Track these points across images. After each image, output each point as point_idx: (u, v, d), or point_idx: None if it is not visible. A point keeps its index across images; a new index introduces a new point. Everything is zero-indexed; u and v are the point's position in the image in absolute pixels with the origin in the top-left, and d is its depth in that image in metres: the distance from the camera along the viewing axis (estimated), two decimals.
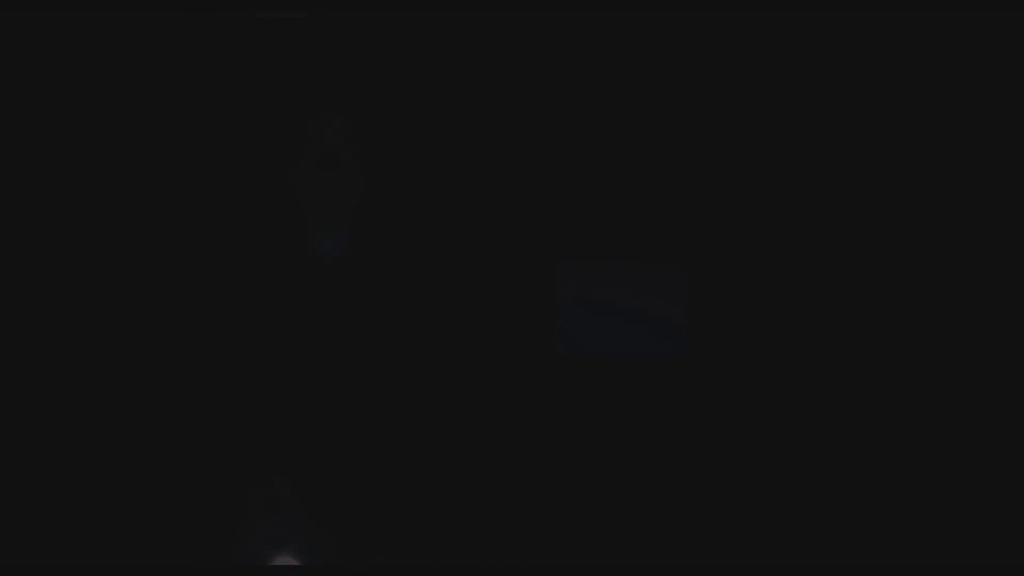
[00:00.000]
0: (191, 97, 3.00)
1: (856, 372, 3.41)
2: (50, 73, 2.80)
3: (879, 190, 3.41)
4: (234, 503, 1.65)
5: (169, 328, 1.98)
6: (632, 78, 3.43)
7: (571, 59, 3.37)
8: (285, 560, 1.64)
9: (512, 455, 3.05)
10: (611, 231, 3.58)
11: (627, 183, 3.56)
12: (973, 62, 3.12)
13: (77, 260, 2.88)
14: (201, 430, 2.01)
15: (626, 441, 3.55)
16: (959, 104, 3.21)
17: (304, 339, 1.81)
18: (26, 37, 2.74)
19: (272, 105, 1.85)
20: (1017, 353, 3.15)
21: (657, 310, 3.61)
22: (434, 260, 1.97)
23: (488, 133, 3.43)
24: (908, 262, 3.36)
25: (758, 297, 3.54)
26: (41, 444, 2.72)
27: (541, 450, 3.34)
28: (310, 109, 1.84)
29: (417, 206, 2.02)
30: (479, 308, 2.92)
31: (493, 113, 3.43)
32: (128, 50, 2.94)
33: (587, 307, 3.61)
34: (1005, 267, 3.20)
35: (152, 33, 2.93)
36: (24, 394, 2.72)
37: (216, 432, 1.91)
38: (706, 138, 3.54)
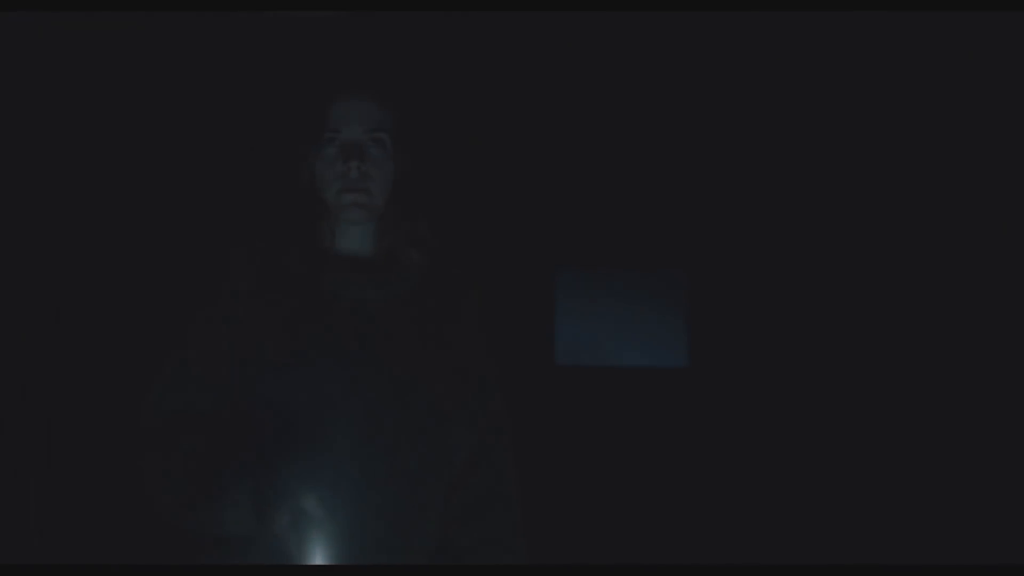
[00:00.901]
0: (210, 92, 3.01)
1: (861, 379, 3.41)
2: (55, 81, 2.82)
3: (884, 194, 3.42)
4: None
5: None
6: (634, 81, 3.44)
7: (572, 63, 3.38)
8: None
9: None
10: (611, 237, 3.58)
11: (627, 188, 3.56)
12: (973, 62, 3.14)
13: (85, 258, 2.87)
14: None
15: (626, 450, 3.54)
16: (961, 106, 3.23)
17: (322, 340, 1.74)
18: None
19: (294, 97, 1.81)
20: (1017, 372, 3.16)
21: (658, 317, 3.61)
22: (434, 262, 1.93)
23: (486, 138, 3.43)
24: (914, 268, 3.36)
25: (762, 304, 3.54)
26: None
27: (539, 459, 3.33)
28: (332, 97, 1.78)
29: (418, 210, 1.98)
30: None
31: (491, 117, 3.43)
32: (144, 48, 2.95)
33: (586, 314, 3.60)
34: (1007, 273, 3.21)
35: (166, 32, 2.93)
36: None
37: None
38: (707, 142, 3.54)
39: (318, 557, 1.52)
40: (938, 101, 3.27)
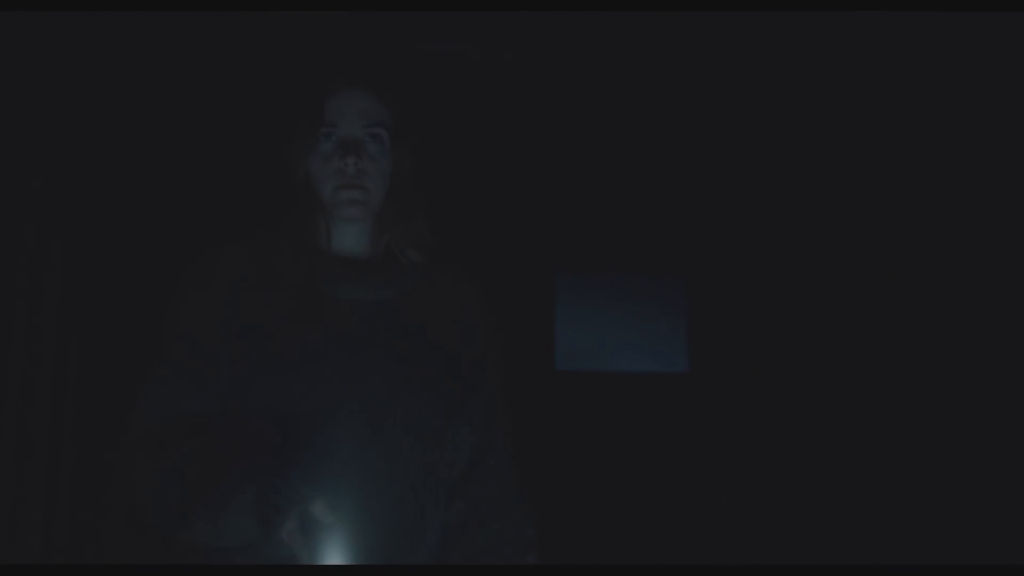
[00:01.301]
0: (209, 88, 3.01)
1: (861, 384, 3.40)
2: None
3: (885, 201, 3.41)
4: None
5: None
6: (635, 84, 3.44)
7: (574, 65, 3.38)
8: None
9: None
10: (612, 241, 3.58)
11: (628, 192, 3.56)
12: (973, 63, 3.13)
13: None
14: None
15: (626, 456, 3.54)
16: (961, 109, 3.22)
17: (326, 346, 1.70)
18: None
19: (289, 93, 1.78)
20: (1017, 375, 3.15)
21: (658, 322, 3.60)
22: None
23: (485, 140, 3.42)
24: (915, 275, 3.35)
25: (762, 309, 3.53)
26: None
27: (538, 464, 3.32)
28: (328, 91, 1.73)
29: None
30: None
31: (491, 118, 3.42)
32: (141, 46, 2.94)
33: (587, 319, 3.60)
34: (1007, 280, 3.20)
35: (165, 30, 2.93)
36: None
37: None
38: (708, 147, 3.54)
39: (322, 561, 1.48)
40: (939, 105, 3.26)
